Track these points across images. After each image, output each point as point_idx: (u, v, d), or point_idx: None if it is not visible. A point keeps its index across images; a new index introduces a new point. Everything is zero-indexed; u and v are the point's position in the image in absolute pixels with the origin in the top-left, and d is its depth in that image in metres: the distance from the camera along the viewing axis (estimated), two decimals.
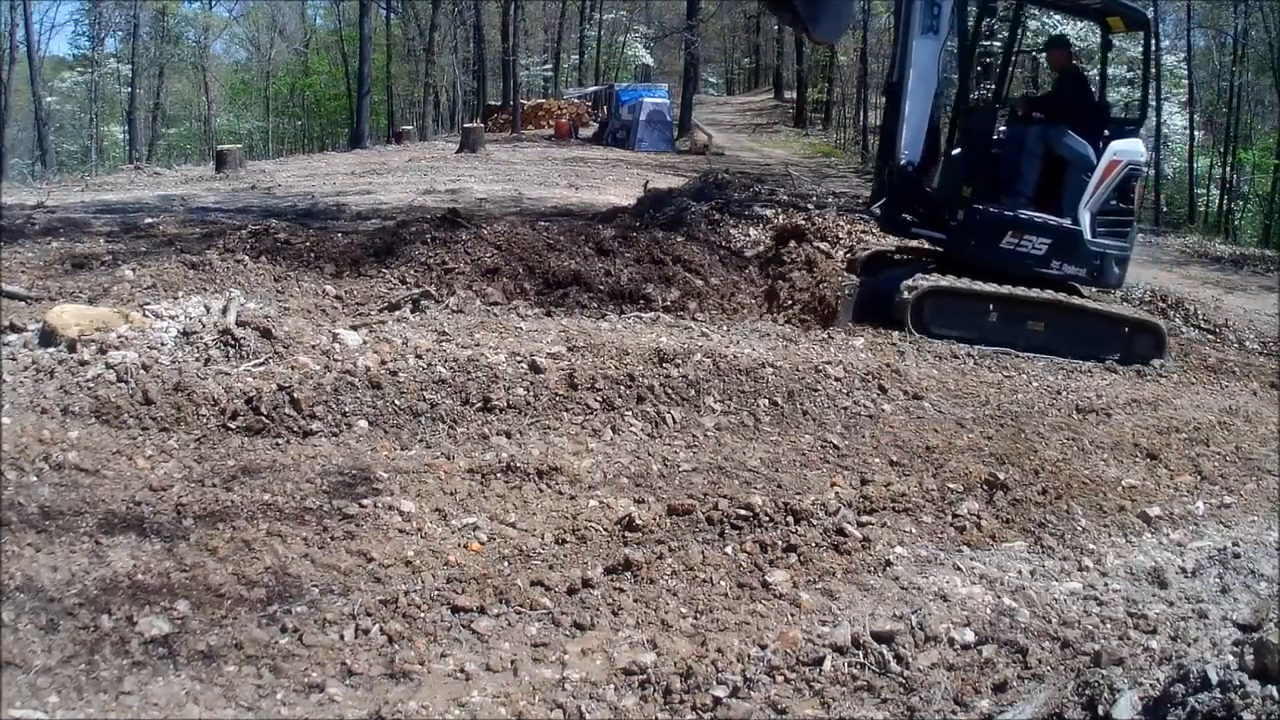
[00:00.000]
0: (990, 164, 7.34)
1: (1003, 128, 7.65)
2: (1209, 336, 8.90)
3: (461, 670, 2.70)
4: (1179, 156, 28.91)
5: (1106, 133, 7.37)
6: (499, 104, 37.39)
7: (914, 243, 7.98)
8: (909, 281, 7.05)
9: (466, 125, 27.50)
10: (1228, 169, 28.78)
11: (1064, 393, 5.90)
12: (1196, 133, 29.58)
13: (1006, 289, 7.03)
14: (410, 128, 35.41)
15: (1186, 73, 28.80)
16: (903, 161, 7.32)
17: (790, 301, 7.70)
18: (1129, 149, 7.37)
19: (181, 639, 2.71)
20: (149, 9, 42.17)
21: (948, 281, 7.08)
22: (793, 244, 8.66)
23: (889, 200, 7.52)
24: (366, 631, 2.84)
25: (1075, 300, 7.25)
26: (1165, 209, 26.36)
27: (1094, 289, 7.68)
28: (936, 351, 6.46)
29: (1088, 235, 7.29)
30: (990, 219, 7.19)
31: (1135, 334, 7.34)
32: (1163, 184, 27.26)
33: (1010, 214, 7.23)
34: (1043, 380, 6.18)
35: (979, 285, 7.03)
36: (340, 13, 46.75)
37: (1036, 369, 6.48)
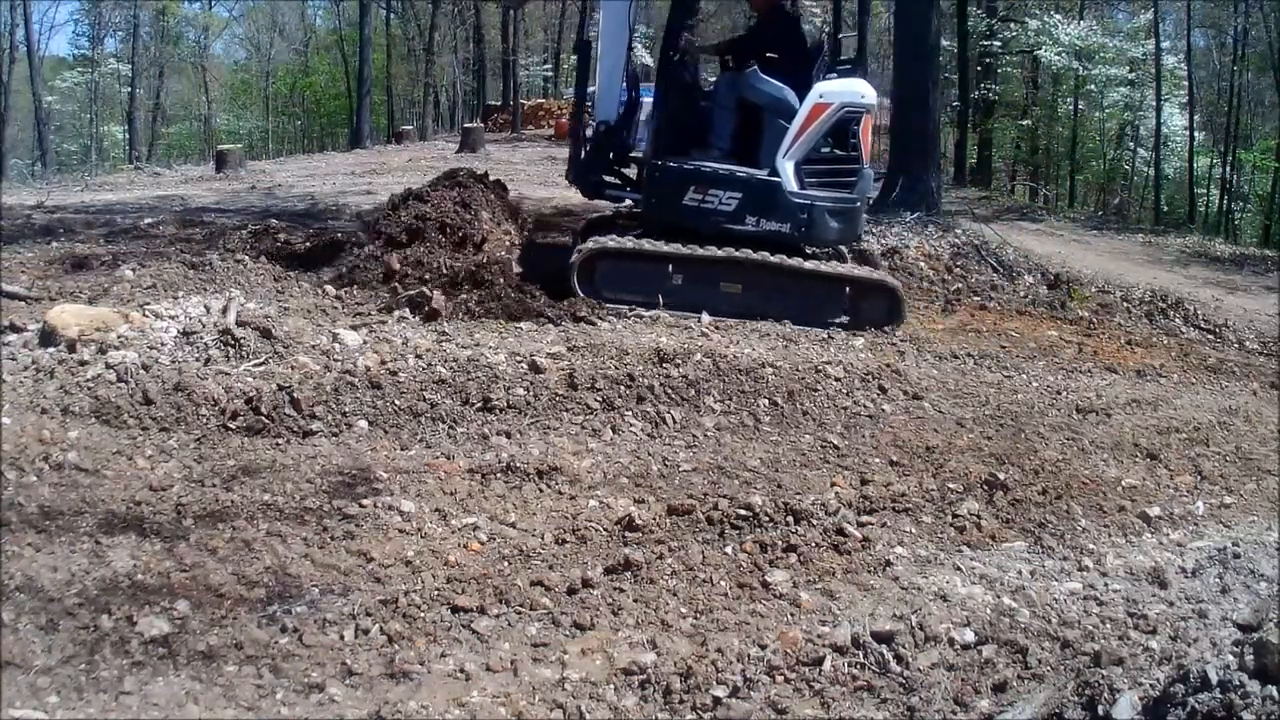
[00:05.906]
0: (690, 117, 6.72)
1: (713, 79, 7.04)
2: (1209, 336, 8.89)
3: (461, 670, 2.70)
4: (1179, 157, 28.85)
5: (828, 76, 6.72)
6: (499, 104, 37.37)
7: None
8: (580, 245, 6.51)
9: (466, 125, 27.45)
10: (1228, 169, 28.76)
11: (1064, 393, 5.89)
12: (1197, 133, 29.53)
13: (671, 247, 6.43)
14: (410, 128, 35.32)
15: (1187, 73, 28.75)
16: (596, 121, 6.92)
17: (417, 275, 6.40)
18: (840, 89, 6.60)
19: (181, 639, 2.71)
20: (149, 9, 42.14)
21: (615, 243, 6.50)
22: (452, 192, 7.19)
23: (582, 161, 7.05)
24: (366, 631, 2.84)
25: (764, 258, 6.47)
26: (1165, 209, 26.33)
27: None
28: (937, 352, 6.45)
29: (791, 187, 6.58)
30: (670, 174, 6.59)
31: (863, 296, 6.73)
32: (1163, 184, 27.24)
33: (690, 167, 6.59)
34: (1043, 380, 6.17)
35: (652, 246, 6.45)
36: (340, 13, 46.66)
37: (1036, 369, 6.48)
